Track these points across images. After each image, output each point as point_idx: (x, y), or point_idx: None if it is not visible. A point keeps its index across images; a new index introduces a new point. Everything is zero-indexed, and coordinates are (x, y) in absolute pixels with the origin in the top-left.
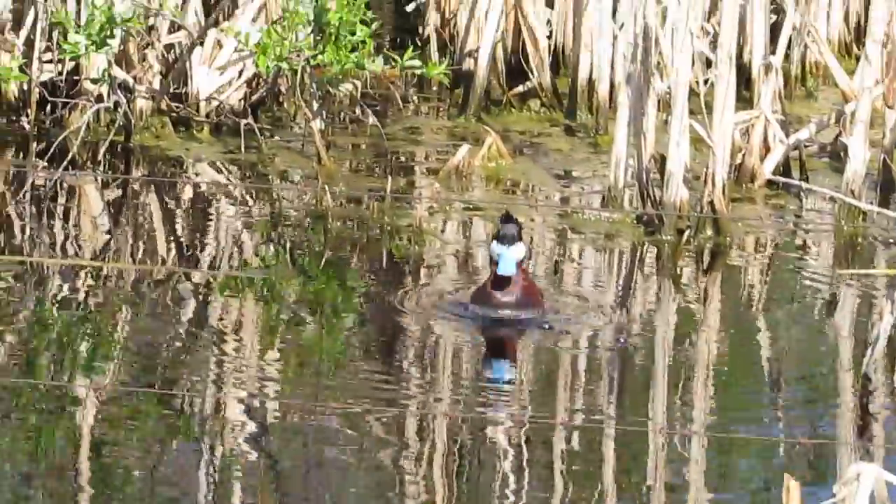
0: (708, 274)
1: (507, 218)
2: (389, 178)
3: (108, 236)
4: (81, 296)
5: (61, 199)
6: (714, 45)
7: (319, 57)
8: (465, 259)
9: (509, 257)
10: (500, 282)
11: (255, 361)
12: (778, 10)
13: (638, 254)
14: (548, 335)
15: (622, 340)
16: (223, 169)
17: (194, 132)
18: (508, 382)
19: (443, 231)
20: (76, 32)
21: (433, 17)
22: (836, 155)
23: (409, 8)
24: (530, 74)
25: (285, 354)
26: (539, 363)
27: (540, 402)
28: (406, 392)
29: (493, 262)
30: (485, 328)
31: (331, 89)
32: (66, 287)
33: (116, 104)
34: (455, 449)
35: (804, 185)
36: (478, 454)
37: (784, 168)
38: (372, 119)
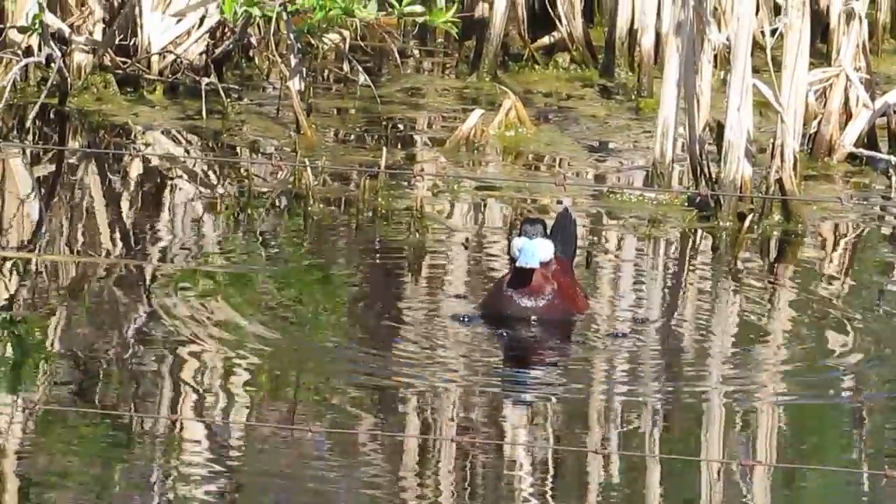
0: (775, 269)
1: (533, 220)
2: (384, 150)
3: (39, 221)
4: (6, 294)
5: None
6: None
7: (299, 1)
8: (477, 250)
9: (531, 249)
10: (521, 278)
11: (218, 376)
12: None
13: (689, 244)
14: (574, 346)
15: (620, 334)
16: (180, 138)
17: (145, 93)
18: (528, 403)
19: (449, 216)
20: None
21: None
22: None
23: None
24: (558, 23)
25: (256, 367)
26: (565, 380)
27: (567, 428)
28: (402, 414)
29: (513, 261)
30: (500, 339)
31: (313, 41)
32: None
33: (49, 59)
34: (462, 481)
35: (894, 159)
36: (487, 487)
37: (869, 139)
38: (363, 78)
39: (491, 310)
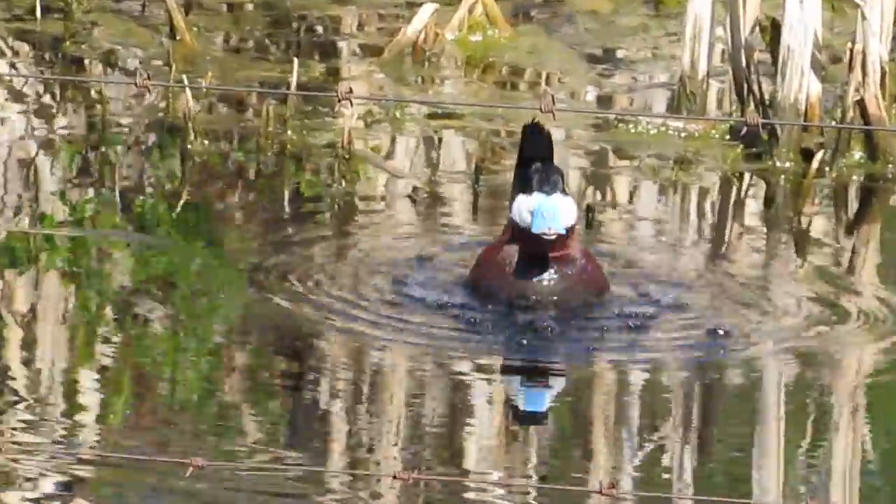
0: (857, 227)
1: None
2: (296, 62)
3: None
4: None
5: None
6: None
7: None
8: (432, 204)
9: (553, 208)
10: (535, 250)
11: (59, 382)
12: None
13: (734, 193)
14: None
15: (720, 332)
16: (4, 48)
17: None
18: (505, 430)
19: (389, 155)
20: None
21: None
22: None
23: None
24: None
25: (114, 371)
26: (564, 395)
27: (554, 459)
28: (324, 437)
29: (517, 230)
30: (492, 334)
31: None
32: None
33: None
34: None
35: None
36: None
37: None
38: None
39: (490, 290)
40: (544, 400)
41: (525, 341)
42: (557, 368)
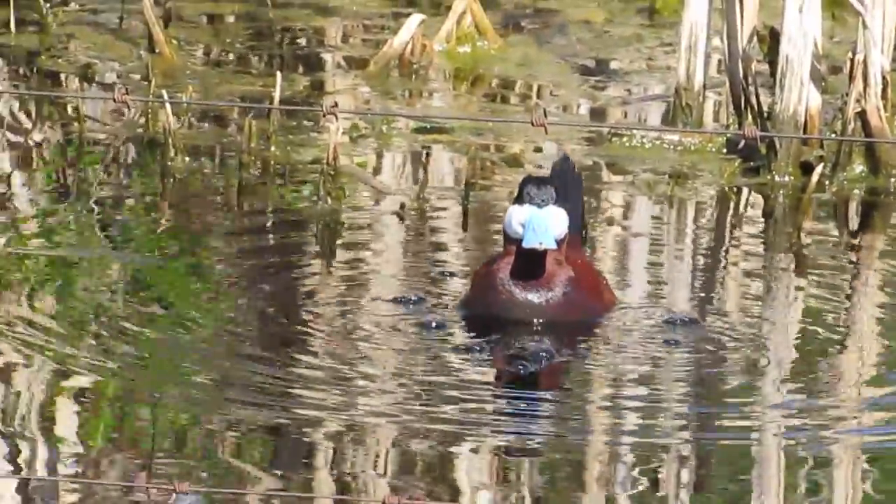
0: (858, 244)
1: (540, 181)
2: (279, 76)
3: None
4: None
5: None
6: None
7: None
8: (421, 222)
9: (543, 222)
10: (529, 265)
11: (37, 408)
12: None
13: (731, 208)
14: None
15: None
16: None
17: None
18: (508, 450)
19: (377, 171)
20: None
21: None
22: None
23: None
24: None
25: (94, 397)
26: (559, 423)
27: (547, 489)
28: (311, 466)
29: (509, 241)
30: (484, 358)
31: None
32: None
33: None
34: None
35: None
36: None
37: None
38: None
39: (480, 310)
40: (539, 428)
41: (521, 368)
42: (552, 397)
